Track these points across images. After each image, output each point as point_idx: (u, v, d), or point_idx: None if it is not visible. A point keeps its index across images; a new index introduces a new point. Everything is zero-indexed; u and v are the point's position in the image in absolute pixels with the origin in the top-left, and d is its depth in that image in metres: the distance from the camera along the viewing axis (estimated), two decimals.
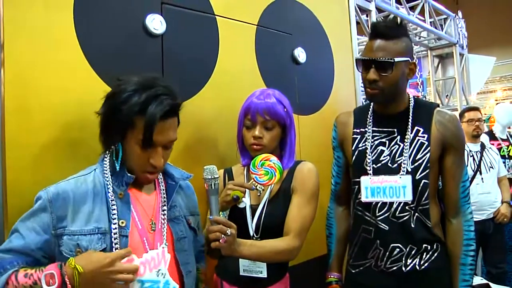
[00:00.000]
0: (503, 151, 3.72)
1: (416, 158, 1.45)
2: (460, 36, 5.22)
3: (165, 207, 1.20)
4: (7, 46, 1.18)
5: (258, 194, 1.51)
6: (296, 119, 2.02)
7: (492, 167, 3.29)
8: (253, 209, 1.48)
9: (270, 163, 1.40)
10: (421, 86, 5.98)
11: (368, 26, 3.52)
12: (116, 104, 1.07)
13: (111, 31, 1.42)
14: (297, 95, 2.09)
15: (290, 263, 1.59)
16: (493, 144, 3.61)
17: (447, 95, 5.49)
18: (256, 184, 1.42)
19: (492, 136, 3.82)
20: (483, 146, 3.36)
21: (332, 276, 1.62)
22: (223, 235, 1.20)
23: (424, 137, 1.46)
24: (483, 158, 3.29)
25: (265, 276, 1.43)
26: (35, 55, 1.24)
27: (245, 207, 1.48)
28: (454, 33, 5.15)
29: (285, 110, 1.51)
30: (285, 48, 2.08)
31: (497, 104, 5.52)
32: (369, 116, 1.56)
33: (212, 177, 1.25)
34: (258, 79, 1.92)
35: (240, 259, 1.44)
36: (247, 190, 1.41)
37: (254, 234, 1.45)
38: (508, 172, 3.60)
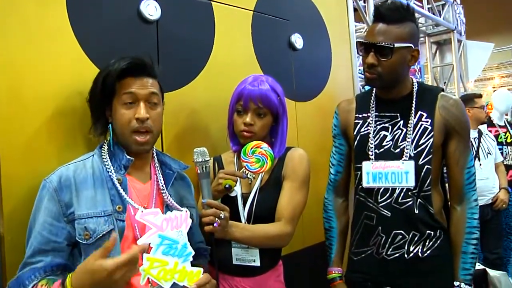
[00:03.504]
0: (501, 137, 3.72)
1: (419, 143, 1.41)
2: (458, 22, 5.20)
3: (164, 191, 1.20)
4: None
5: (249, 182, 1.49)
6: (293, 106, 2.02)
7: (489, 153, 3.30)
8: (245, 198, 1.46)
9: (261, 150, 1.38)
10: (419, 73, 5.96)
11: (365, 12, 3.49)
12: (99, 77, 1.16)
13: (106, 17, 1.39)
14: (294, 81, 2.06)
15: (285, 251, 1.58)
16: (490, 131, 3.61)
17: (445, 82, 5.49)
18: (248, 172, 1.40)
19: (490, 123, 3.82)
20: (480, 133, 3.36)
21: (335, 272, 1.56)
22: (217, 219, 1.19)
23: (427, 121, 1.42)
24: (481, 144, 3.30)
25: (258, 264, 1.42)
26: (28, 44, 1.21)
27: (237, 195, 1.46)
28: (452, 19, 5.12)
29: (278, 98, 1.47)
30: (282, 34, 2.04)
31: (494, 91, 5.52)
32: (371, 102, 1.53)
33: (203, 159, 1.23)
34: (254, 65, 1.90)
35: (232, 248, 1.43)
36: (238, 178, 1.39)
37: (246, 223, 1.43)
38: (505, 159, 3.61)
